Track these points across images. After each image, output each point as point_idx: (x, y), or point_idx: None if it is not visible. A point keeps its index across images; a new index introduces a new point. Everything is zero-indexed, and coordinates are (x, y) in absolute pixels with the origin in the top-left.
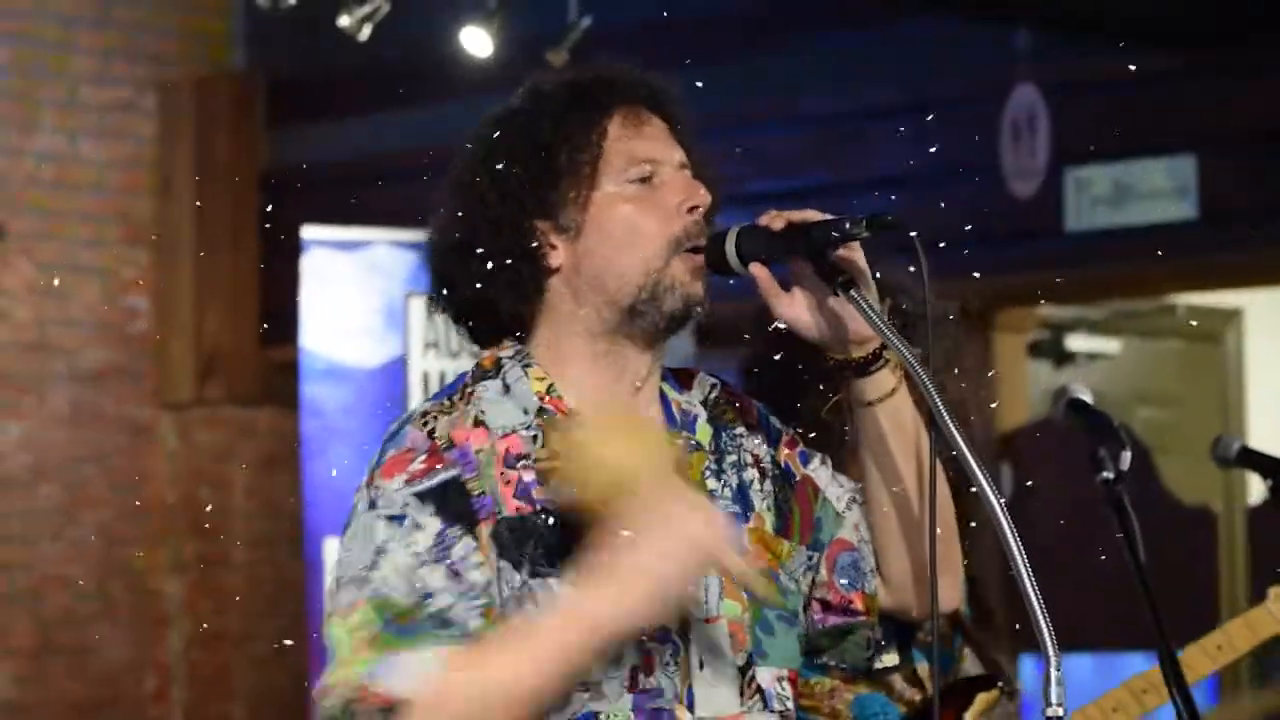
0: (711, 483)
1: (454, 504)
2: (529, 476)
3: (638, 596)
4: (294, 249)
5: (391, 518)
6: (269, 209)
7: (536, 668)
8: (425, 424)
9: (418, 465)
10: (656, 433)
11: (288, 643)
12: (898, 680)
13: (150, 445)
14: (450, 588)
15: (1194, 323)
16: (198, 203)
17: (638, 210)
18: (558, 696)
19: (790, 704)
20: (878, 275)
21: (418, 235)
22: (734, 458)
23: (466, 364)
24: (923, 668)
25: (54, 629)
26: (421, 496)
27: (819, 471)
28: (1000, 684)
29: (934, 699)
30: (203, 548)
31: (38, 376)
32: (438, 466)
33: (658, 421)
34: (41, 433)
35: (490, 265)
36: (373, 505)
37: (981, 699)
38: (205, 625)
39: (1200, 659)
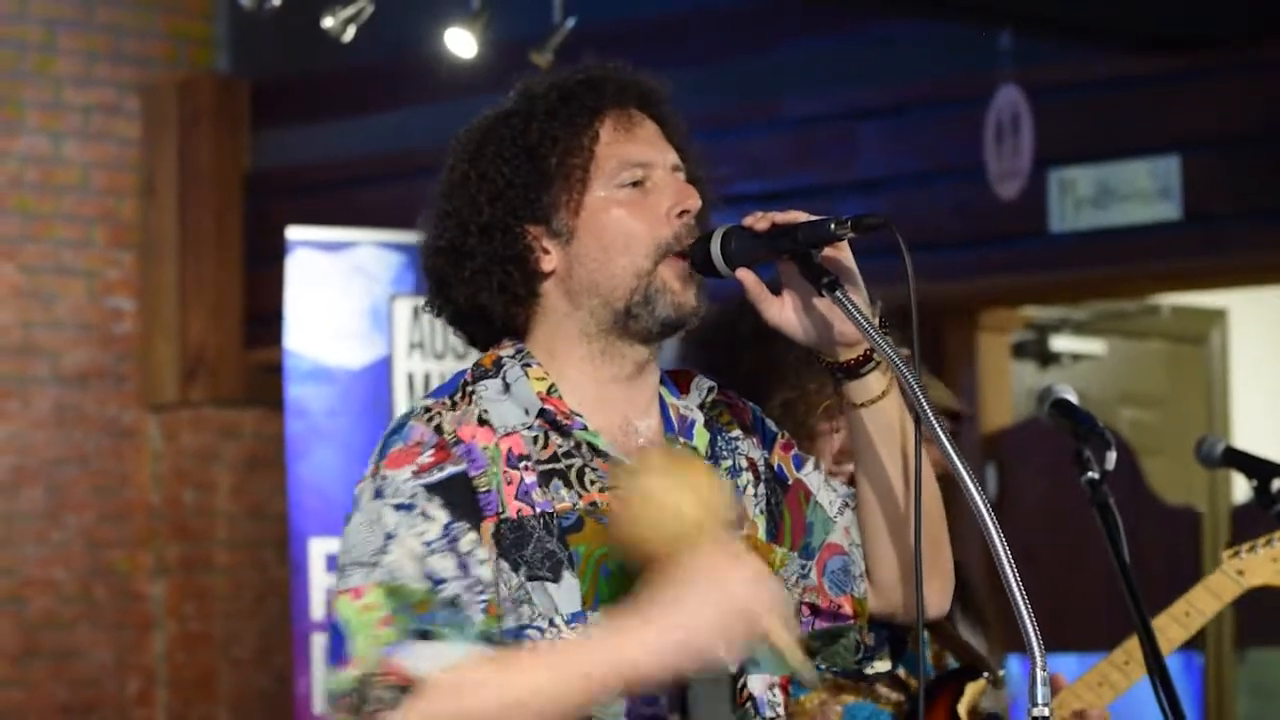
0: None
1: (461, 499)
2: (530, 478)
3: (672, 646)
4: (278, 250)
5: (399, 506)
6: (253, 210)
7: (554, 688)
8: (430, 419)
9: (426, 458)
10: (719, 484)
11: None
12: (880, 685)
13: (134, 447)
14: (459, 577)
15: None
16: (182, 204)
17: (630, 214)
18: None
19: (781, 710)
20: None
21: (402, 236)
22: (729, 463)
23: (451, 365)
24: (902, 670)
25: (37, 632)
26: (430, 489)
27: (812, 476)
28: (986, 674)
29: (919, 698)
30: (187, 550)
31: (22, 378)
32: (445, 461)
33: (724, 482)
34: (25, 435)
35: (482, 269)
36: (379, 494)
37: (971, 689)
38: (189, 627)
39: (1173, 627)
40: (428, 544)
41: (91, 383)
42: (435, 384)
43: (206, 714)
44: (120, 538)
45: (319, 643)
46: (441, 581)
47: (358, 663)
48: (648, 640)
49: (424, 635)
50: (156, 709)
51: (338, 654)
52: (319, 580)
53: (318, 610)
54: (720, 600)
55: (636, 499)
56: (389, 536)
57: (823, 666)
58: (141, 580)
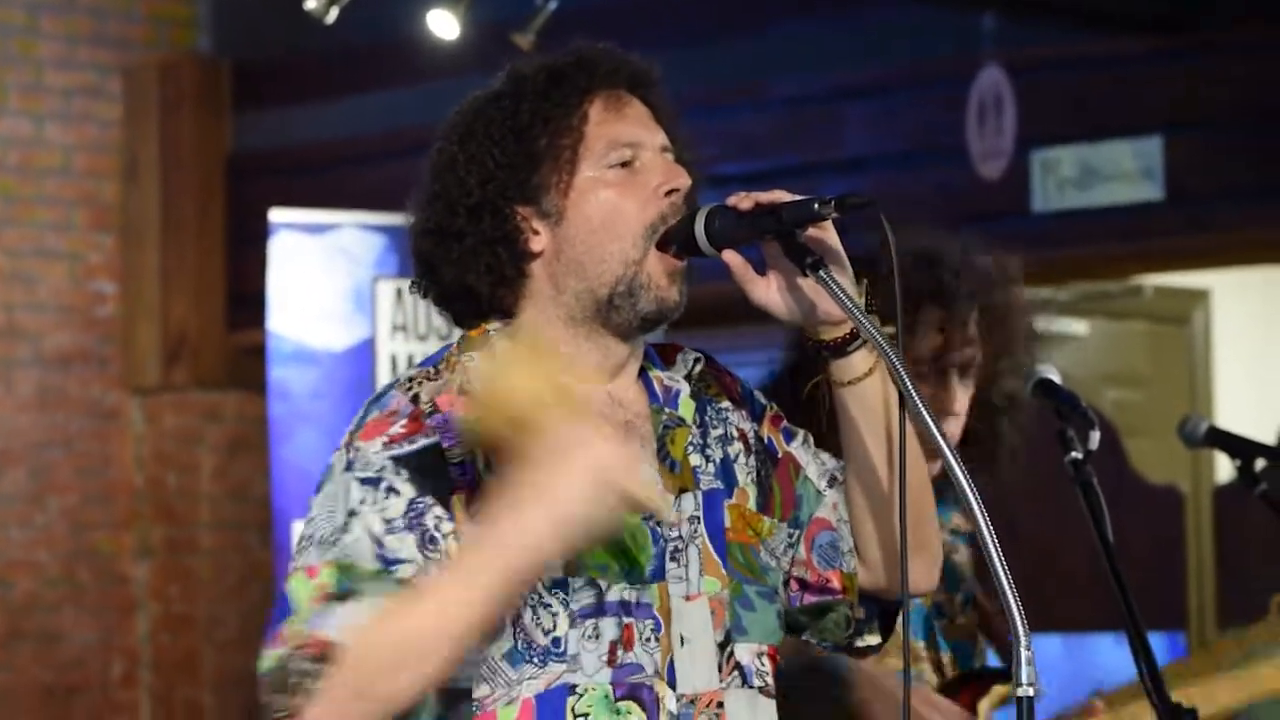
0: (695, 458)
1: (430, 471)
2: None
3: (552, 524)
4: (261, 232)
5: (365, 480)
6: (235, 193)
7: (457, 606)
8: (409, 389)
9: (398, 429)
10: (558, 360)
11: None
12: (926, 670)
13: (117, 429)
14: (418, 556)
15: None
16: (164, 187)
17: (618, 195)
18: (490, 628)
19: (769, 680)
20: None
21: (385, 218)
22: (719, 431)
23: (434, 347)
24: (946, 656)
25: (21, 614)
26: (398, 460)
27: (800, 449)
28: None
29: (905, 686)
30: (170, 532)
31: (4, 361)
32: (417, 433)
33: (560, 352)
34: (7, 417)
35: (471, 250)
36: (349, 467)
37: (998, 691)
38: (172, 609)
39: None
40: (388, 522)
41: (74, 365)
42: None
43: (190, 696)
44: (103, 520)
45: None
46: (396, 563)
47: (284, 639)
48: (527, 527)
49: (343, 598)
50: (140, 690)
51: (271, 632)
52: None
53: None
54: (584, 467)
55: (484, 390)
56: (351, 514)
57: (814, 640)
58: (125, 562)
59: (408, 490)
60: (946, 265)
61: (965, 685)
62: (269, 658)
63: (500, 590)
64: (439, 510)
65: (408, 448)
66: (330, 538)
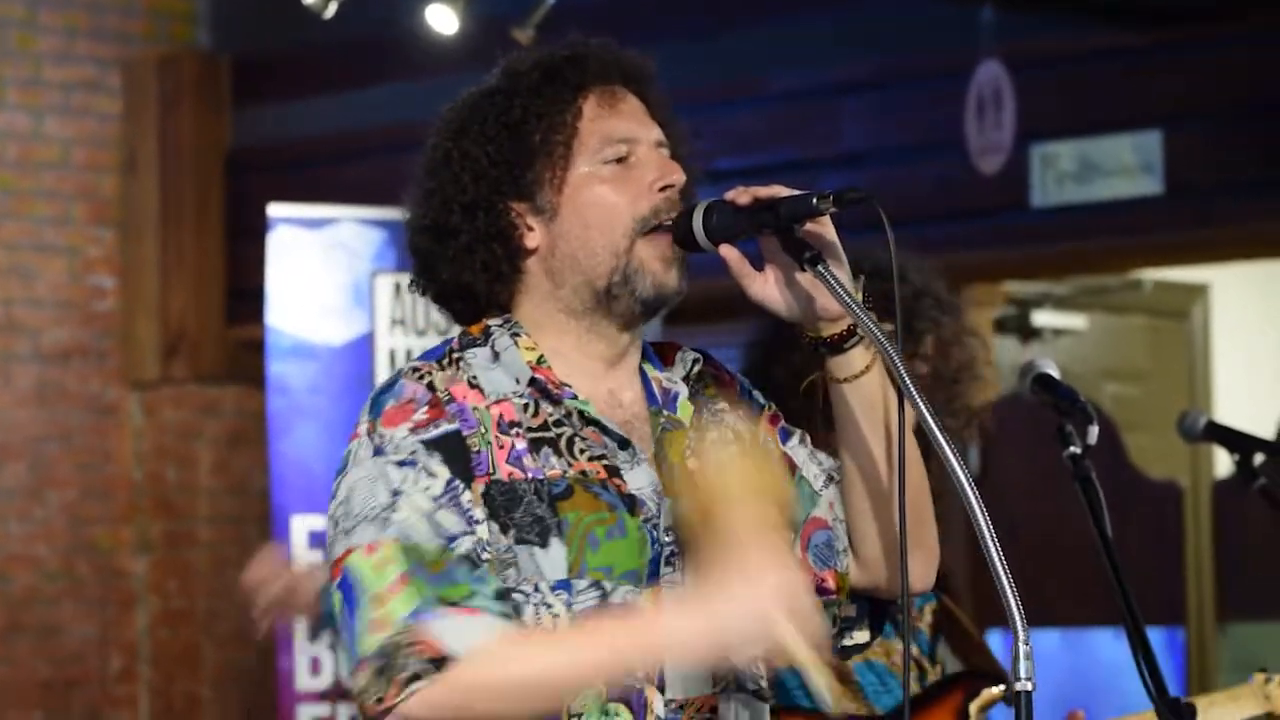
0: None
1: (457, 456)
2: (521, 444)
3: (697, 637)
4: (259, 227)
5: (402, 463)
6: (234, 187)
7: (589, 668)
8: (421, 377)
9: (421, 415)
10: (783, 480)
11: None
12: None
13: (116, 424)
14: (468, 533)
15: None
16: (163, 181)
17: (612, 190)
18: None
19: (764, 683)
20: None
21: (384, 213)
22: (715, 434)
23: (433, 342)
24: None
25: (20, 608)
26: (428, 445)
27: (797, 449)
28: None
29: (905, 682)
30: (169, 526)
31: (2, 356)
32: (440, 418)
33: (785, 473)
34: (7, 412)
35: (466, 247)
36: (379, 451)
37: (987, 694)
38: (171, 604)
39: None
40: (435, 499)
41: (73, 360)
42: None
43: (189, 690)
44: (102, 514)
45: (301, 620)
46: (453, 538)
47: (382, 624)
48: (681, 631)
49: (449, 602)
50: (139, 685)
51: (353, 612)
52: (302, 557)
53: None
54: (754, 600)
55: (711, 466)
56: (396, 493)
57: None
58: (124, 557)
59: (443, 472)
60: (911, 283)
61: (955, 686)
62: (372, 641)
63: (625, 669)
64: (469, 495)
65: (434, 432)
66: (380, 515)
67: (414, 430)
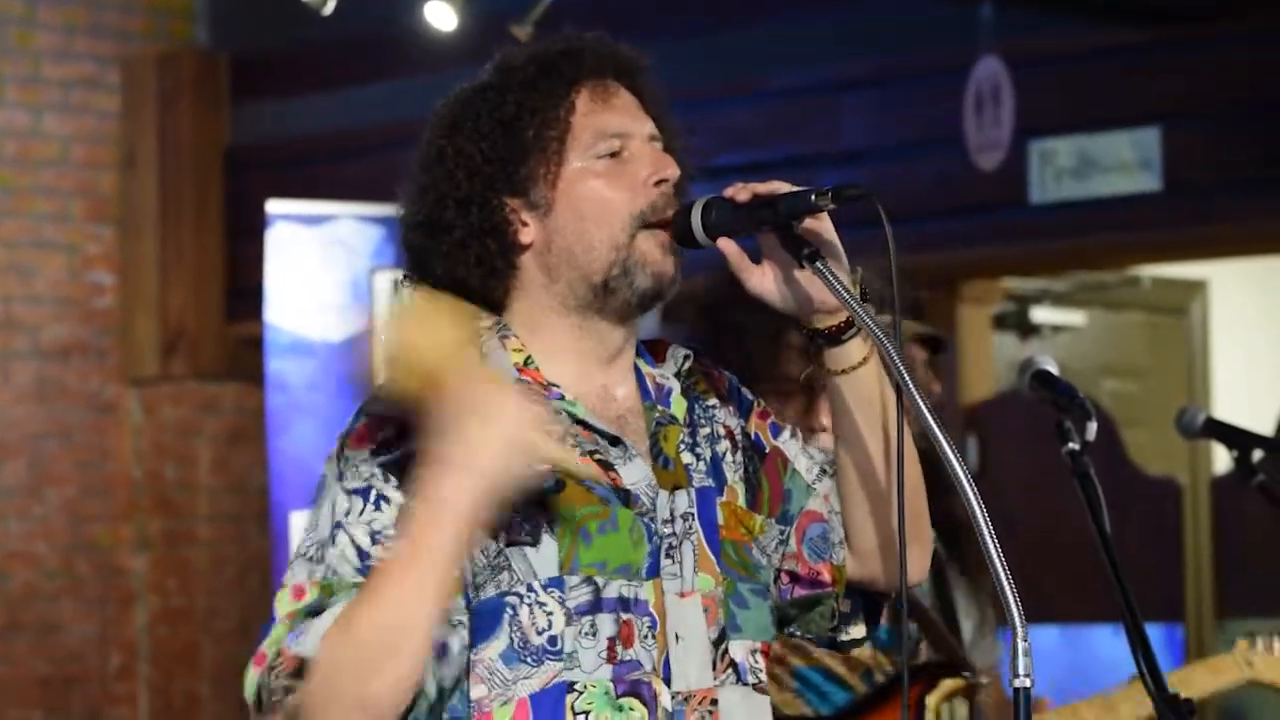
0: (687, 456)
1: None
2: None
3: (470, 490)
4: (258, 224)
5: (354, 491)
6: (233, 184)
7: (414, 589)
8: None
9: (388, 433)
10: (462, 315)
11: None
12: (833, 659)
13: (115, 421)
14: None
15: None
16: (162, 178)
17: (606, 185)
18: (446, 599)
19: (763, 676)
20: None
21: (383, 210)
22: (707, 430)
23: None
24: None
25: (19, 606)
26: (386, 468)
27: (789, 443)
28: (967, 676)
29: (904, 672)
30: (168, 524)
31: (1, 353)
32: (409, 434)
33: (465, 308)
34: (6, 409)
35: (460, 243)
36: (341, 476)
37: (946, 684)
38: (171, 602)
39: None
40: (375, 533)
41: (72, 357)
42: None
43: (188, 688)
44: (102, 512)
45: None
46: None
47: (262, 659)
48: (451, 496)
49: (317, 612)
50: (138, 683)
51: (254, 652)
52: None
53: None
54: (495, 429)
55: (390, 343)
56: (337, 526)
57: (798, 633)
58: (123, 554)
59: (397, 497)
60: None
61: (912, 680)
62: (250, 680)
63: (445, 564)
64: None
65: (395, 453)
66: (317, 554)
67: (375, 452)
